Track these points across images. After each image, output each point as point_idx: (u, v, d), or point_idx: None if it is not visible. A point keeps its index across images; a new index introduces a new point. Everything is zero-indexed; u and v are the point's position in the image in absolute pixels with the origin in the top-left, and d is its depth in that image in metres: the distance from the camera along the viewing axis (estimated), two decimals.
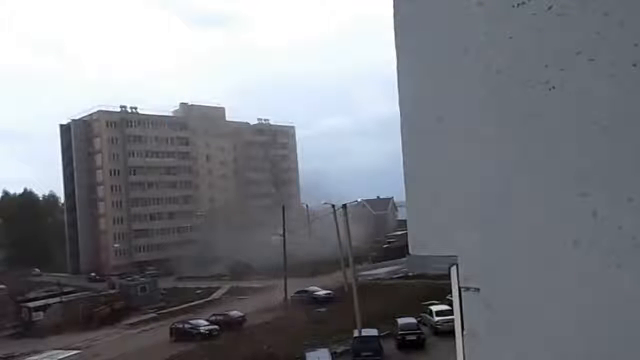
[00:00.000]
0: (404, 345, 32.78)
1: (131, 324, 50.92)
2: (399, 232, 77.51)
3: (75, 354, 38.45)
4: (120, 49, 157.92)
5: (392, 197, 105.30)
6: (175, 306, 55.69)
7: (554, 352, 0.90)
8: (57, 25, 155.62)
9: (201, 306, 54.89)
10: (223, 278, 69.83)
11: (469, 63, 0.98)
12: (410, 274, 55.29)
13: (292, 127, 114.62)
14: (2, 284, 62.08)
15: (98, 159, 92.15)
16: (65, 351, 38.74)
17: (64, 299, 56.46)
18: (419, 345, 32.81)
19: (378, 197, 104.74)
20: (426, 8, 1.02)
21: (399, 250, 60.21)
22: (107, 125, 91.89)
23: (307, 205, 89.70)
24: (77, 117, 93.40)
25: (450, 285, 1.03)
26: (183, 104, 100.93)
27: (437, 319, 34.04)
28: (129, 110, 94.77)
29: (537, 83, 0.93)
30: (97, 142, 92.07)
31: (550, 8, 0.92)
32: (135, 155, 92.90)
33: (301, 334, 36.48)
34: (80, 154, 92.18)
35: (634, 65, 0.86)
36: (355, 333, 32.39)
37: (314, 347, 32.19)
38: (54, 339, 45.61)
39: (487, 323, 0.95)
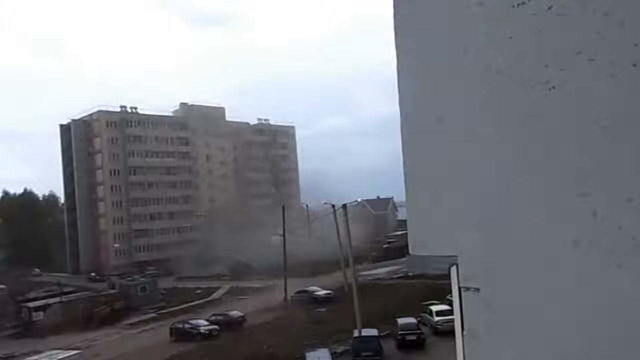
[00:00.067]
0: (404, 345, 32.78)
1: (131, 324, 50.92)
2: (399, 232, 77.51)
3: (75, 354, 38.46)
4: (120, 49, 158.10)
5: (392, 197, 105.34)
6: (175, 306, 55.68)
7: (554, 352, 0.90)
8: (57, 25, 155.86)
9: (201, 306, 54.88)
10: (223, 278, 69.83)
11: (469, 63, 0.98)
12: (410, 274, 55.29)
13: (292, 127, 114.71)
14: (2, 284, 62.08)
15: (98, 159, 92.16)
16: (65, 351, 38.75)
17: (64, 299, 56.46)
18: (419, 345, 32.80)
19: (378, 197, 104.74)
20: (426, 8, 1.02)
21: (399, 250, 60.22)
22: (107, 125, 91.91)
23: (307, 205, 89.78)
24: (77, 117, 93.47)
25: (450, 285, 1.03)
26: (183, 104, 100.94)
27: (437, 319, 34.04)
28: (129, 110, 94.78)
29: (537, 83, 0.93)
30: (97, 142, 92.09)
31: (550, 8, 0.92)
32: (135, 155, 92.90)
33: (301, 334, 36.48)
34: (80, 154, 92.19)
35: (634, 65, 0.86)
36: (355, 333, 32.39)
37: (314, 347, 32.19)
38: (54, 339, 45.61)
39: (487, 323, 0.95)
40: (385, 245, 73.67)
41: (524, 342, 0.93)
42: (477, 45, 0.97)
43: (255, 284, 61.90)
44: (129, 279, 66.26)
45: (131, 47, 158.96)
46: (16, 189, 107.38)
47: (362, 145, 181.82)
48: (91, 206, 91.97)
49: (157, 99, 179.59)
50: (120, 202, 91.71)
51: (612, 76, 0.88)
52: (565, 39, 0.91)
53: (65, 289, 61.59)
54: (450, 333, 1.13)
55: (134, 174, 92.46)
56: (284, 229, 50.31)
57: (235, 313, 46.10)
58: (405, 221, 1.06)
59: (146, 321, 51.49)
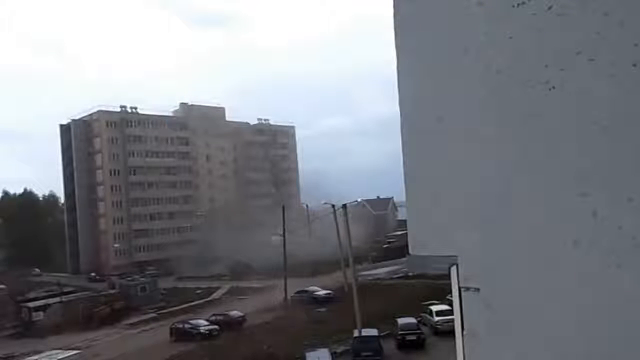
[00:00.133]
0: (404, 345, 32.78)
1: (131, 324, 50.91)
2: (399, 232, 77.51)
3: (75, 354, 38.45)
4: (120, 49, 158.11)
5: (392, 197, 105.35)
6: (175, 306, 55.68)
7: (554, 352, 0.90)
8: (57, 25, 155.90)
9: (201, 306, 54.87)
10: (223, 278, 69.83)
11: (469, 63, 0.98)
12: (410, 274, 55.29)
13: (292, 127, 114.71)
14: (2, 284, 62.09)
15: (98, 159, 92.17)
16: (65, 351, 38.73)
17: (64, 299, 56.47)
18: (419, 345, 32.80)
19: (378, 197, 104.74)
20: (426, 8, 1.02)
21: (399, 250, 60.23)
22: (107, 125, 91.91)
23: (307, 205, 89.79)
24: (77, 117, 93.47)
25: (450, 285, 1.03)
26: (183, 104, 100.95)
27: (437, 319, 34.03)
28: (129, 110, 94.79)
29: (537, 83, 0.93)
30: (97, 142, 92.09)
31: (550, 8, 0.92)
32: (135, 155, 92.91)
33: (301, 334, 36.48)
34: (80, 154, 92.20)
35: (634, 65, 0.86)
36: (355, 333, 32.39)
37: (314, 347, 32.19)
38: (54, 339, 45.60)
39: (487, 323, 0.95)
40: (385, 245, 73.67)
41: (524, 342, 0.93)
42: (477, 45, 0.97)
43: (255, 284, 61.90)
44: (129, 279, 66.25)
45: (131, 47, 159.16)
46: (16, 189, 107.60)
47: (362, 145, 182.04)
48: (91, 206, 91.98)
49: (157, 99, 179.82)
50: (120, 202, 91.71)
51: (612, 76, 0.88)
52: (565, 39, 0.91)
53: (65, 289, 61.59)
54: (450, 333, 1.13)
55: (134, 174, 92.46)
56: (284, 229, 50.31)
57: (235, 313, 46.09)
58: (405, 221, 1.06)
59: (146, 321, 51.49)
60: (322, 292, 50.44)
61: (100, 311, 53.14)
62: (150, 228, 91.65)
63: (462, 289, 0.98)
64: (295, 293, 50.02)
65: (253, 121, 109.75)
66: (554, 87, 0.92)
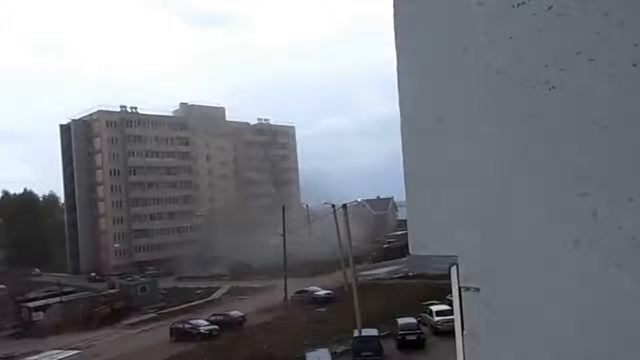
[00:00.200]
0: (404, 345, 32.78)
1: (131, 324, 50.91)
2: (399, 232, 77.49)
3: (75, 354, 38.44)
4: (120, 49, 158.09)
5: (392, 197, 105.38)
6: (175, 306, 55.69)
7: (554, 352, 0.90)
8: (57, 25, 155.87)
9: (201, 306, 54.88)
10: (223, 278, 69.84)
11: (469, 63, 0.98)
12: (410, 274, 55.29)
13: (292, 127, 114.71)
14: (2, 284, 62.10)
15: (98, 159, 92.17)
16: (65, 351, 38.73)
17: (64, 299, 56.47)
18: (419, 345, 32.80)
19: (378, 197, 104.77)
20: (426, 8, 1.02)
21: (399, 250, 60.27)
22: (107, 125, 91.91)
23: (307, 205, 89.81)
24: (77, 117, 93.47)
25: (450, 285, 1.03)
26: (183, 104, 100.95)
27: (437, 319, 34.04)
28: (129, 110, 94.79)
29: (537, 83, 0.93)
30: (97, 142, 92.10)
31: (550, 8, 0.92)
32: (135, 155, 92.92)
33: (301, 334, 36.48)
34: (80, 154, 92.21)
35: (634, 65, 0.86)
36: (355, 333, 32.38)
37: (314, 347, 32.19)
38: (54, 339, 45.60)
39: (487, 323, 0.95)
40: (385, 245, 73.67)
41: (524, 342, 0.93)
42: (477, 45, 0.97)
43: (255, 284, 61.90)
44: (129, 279, 66.24)
45: (131, 47, 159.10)
46: (16, 189, 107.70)
47: (362, 145, 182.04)
48: (91, 206, 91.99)
49: (157, 99, 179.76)
50: (120, 202, 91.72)
51: (612, 76, 0.88)
52: (565, 39, 0.91)
53: (65, 289, 61.59)
54: (450, 333, 1.13)
55: (134, 174, 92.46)
56: (284, 229, 50.29)
57: (235, 313, 46.09)
58: (405, 221, 1.07)
59: (146, 321, 51.49)
60: (322, 292, 50.44)
61: (100, 311, 53.14)
62: (150, 228, 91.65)
63: (462, 289, 0.98)
64: (295, 293, 50.01)
65: (253, 121, 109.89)
66: (554, 87, 0.92)
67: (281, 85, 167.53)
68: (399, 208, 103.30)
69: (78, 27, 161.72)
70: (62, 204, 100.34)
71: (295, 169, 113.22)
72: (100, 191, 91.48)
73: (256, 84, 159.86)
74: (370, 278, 55.98)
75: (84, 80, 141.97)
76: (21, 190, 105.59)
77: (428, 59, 1.02)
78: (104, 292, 62.28)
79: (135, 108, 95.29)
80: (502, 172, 0.95)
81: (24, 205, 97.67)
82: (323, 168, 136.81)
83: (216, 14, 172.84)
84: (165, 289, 65.00)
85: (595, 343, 0.87)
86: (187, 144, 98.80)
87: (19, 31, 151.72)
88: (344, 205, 38.83)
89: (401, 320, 34.41)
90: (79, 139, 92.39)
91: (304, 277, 55.40)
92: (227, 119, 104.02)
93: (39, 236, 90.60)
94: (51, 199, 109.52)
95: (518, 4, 0.94)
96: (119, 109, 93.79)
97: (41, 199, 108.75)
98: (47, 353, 38.68)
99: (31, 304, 55.37)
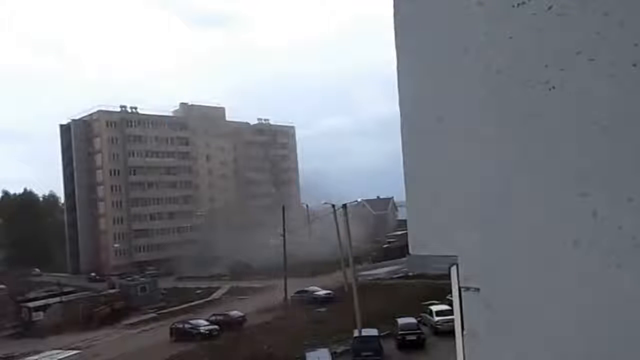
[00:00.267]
0: (404, 345, 32.77)
1: (131, 324, 50.91)
2: (399, 232, 77.48)
3: (75, 354, 38.45)
4: (120, 49, 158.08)
5: (392, 197, 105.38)
6: (175, 306, 55.68)
7: (554, 352, 0.90)
8: (57, 25, 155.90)
9: (201, 306, 54.88)
10: (223, 278, 69.83)
11: (469, 63, 0.98)
12: (410, 274, 55.28)
13: (292, 127, 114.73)
14: (2, 284, 62.10)
15: (98, 159, 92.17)
16: (65, 351, 38.73)
17: (64, 299, 56.46)
18: (419, 345, 32.80)
19: (378, 197, 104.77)
20: (426, 8, 1.02)
21: (399, 250, 60.26)
22: (107, 125, 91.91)
23: (307, 205, 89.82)
24: (77, 117, 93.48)
25: (450, 285, 1.03)
26: (183, 104, 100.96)
27: (437, 319, 34.03)
28: (129, 110, 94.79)
29: (537, 83, 0.93)
30: (97, 142, 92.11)
31: (550, 8, 0.92)
32: (135, 155, 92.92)
33: (301, 334, 36.47)
34: (80, 154, 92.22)
35: (634, 65, 0.86)
36: (355, 333, 32.38)
37: (314, 347, 32.18)
38: (54, 339, 45.60)
39: (487, 323, 0.95)
40: (385, 245, 73.67)
41: (524, 342, 0.93)
42: (477, 45, 0.97)
43: (255, 284, 61.89)
44: (129, 279, 66.24)
45: (131, 47, 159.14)
46: (16, 189, 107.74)
47: (362, 145, 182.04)
48: (91, 206, 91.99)
49: (157, 99, 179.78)
50: (120, 202, 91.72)
51: (612, 76, 0.88)
52: (565, 39, 0.91)
53: (65, 289, 61.58)
54: (450, 333, 1.13)
55: (134, 174, 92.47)
56: (284, 229, 50.28)
57: (235, 313, 46.08)
58: (405, 221, 1.07)
59: (146, 321, 51.49)
60: (322, 292, 50.43)
61: (100, 311, 53.14)
62: (150, 228, 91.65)
63: (462, 289, 0.98)
64: (295, 293, 50.01)
65: (253, 121, 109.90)
66: (554, 87, 0.92)
67: (281, 85, 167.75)
68: (399, 208, 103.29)
69: (78, 27, 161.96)
70: (62, 204, 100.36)
71: (295, 169, 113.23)
72: (100, 191, 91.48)
73: (256, 84, 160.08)
74: (370, 278, 55.98)
75: (84, 80, 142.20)
76: (21, 190, 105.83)
77: (428, 59, 1.02)
78: (104, 292, 62.28)
79: (135, 108, 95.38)
80: (502, 172, 0.95)
81: (24, 205, 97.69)
82: (323, 168, 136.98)
83: (216, 14, 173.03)
84: (165, 289, 65.00)
85: (595, 343, 0.87)
86: (187, 144, 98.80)
87: (19, 31, 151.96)
88: (344, 205, 38.83)
89: (401, 320, 34.41)
90: (79, 139, 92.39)
91: (304, 277, 55.40)
92: (227, 119, 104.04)
93: (39, 236, 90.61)
94: (51, 199, 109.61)
95: (518, 4, 0.94)
96: (119, 109, 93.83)
97: (41, 199, 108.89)
98: (47, 353, 38.68)
99: (31, 304, 55.38)
